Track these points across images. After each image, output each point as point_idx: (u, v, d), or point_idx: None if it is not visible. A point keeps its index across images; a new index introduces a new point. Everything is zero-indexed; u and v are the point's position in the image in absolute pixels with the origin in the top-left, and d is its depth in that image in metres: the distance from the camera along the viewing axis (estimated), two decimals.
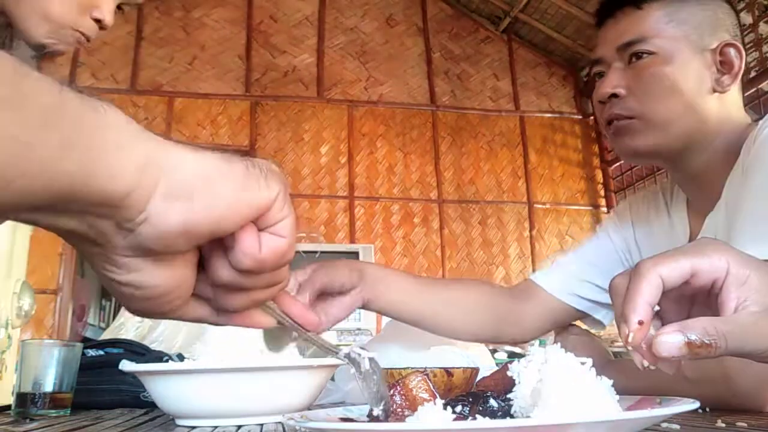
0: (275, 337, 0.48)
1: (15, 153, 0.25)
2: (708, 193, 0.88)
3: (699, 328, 0.40)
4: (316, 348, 0.44)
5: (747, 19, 3.54)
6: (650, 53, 0.86)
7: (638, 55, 0.87)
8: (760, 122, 0.79)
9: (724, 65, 0.87)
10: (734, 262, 0.43)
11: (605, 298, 0.98)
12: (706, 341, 0.39)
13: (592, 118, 5.05)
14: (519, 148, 4.95)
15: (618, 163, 4.84)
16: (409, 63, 4.95)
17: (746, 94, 3.48)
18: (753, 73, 3.47)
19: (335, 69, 4.78)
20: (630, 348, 0.41)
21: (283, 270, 0.36)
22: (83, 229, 0.30)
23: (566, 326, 1.03)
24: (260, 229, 0.34)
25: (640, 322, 0.40)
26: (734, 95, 0.88)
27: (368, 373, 0.44)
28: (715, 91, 0.86)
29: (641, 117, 0.86)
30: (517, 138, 4.97)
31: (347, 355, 0.45)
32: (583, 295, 1.00)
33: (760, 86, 3.43)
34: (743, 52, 0.87)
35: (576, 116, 5.10)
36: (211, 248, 0.34)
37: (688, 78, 0.85)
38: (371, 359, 0.44)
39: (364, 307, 0.88)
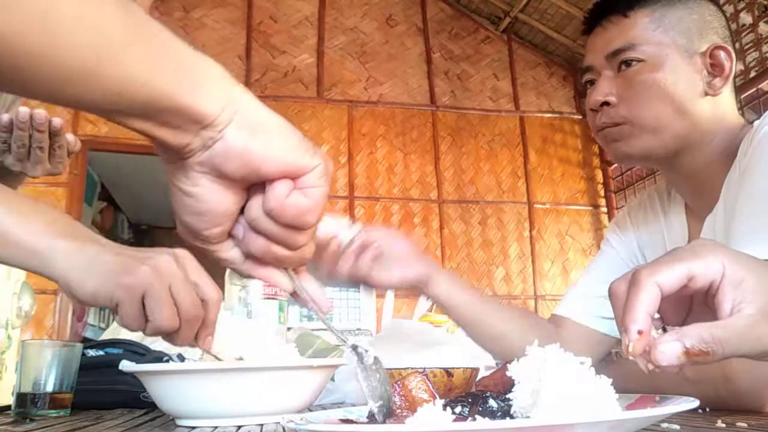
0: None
1: (146, 76, 0.34)
2: (705, 196, 0.88)
3: (695, 335, 0.40)
4: (316, 348, 0.44)
5: (747, 19, 3.53)
6: (639, 60, 0.86)
7: (627, 63, 0.87)
8: (756, 123, 0.80)
9: (714, 68, 0.87)
10: (730, 264, 0.43)
11: None
12: (703, 348, 0.40)
13: None
14: (519, 148, 4.95)
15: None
16: (409, 63, 4.95)
17: (746, 94, 3.48)
18: (753, 73, 3.47)
19: (335, 69, 4.78)
20: (632, 357, 0.42)
21: (304, 236, 0.41)
22: (177, 142, 0.37)
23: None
24: (297, 187, 0.40)
25: (640, 332, 0.41)
26: (727, 97, 0.88)
27: (370, 368, 0.44)
28: (707, 94, 0.86)
29: (632, 123, 0.87)
30: (517, 138, 4.97)
31: (353, 346, 0.45)
32: (606, 315, 0.98)
33: (760, 86, 3.42)
34: (733, 55, 0.87)
35: (576, 116, 5.10)
36: (253, 194, 0.41)
37: (678, 83, 0.85)
38: (375, 358, 0.44)
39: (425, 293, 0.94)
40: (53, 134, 1.01)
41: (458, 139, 4.85)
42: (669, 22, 0.87)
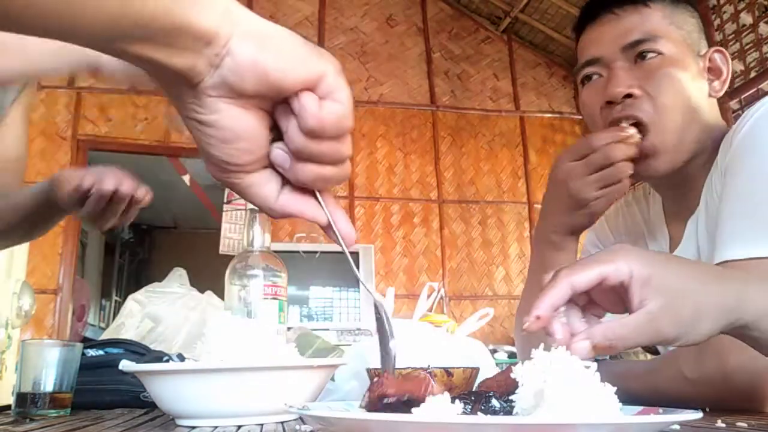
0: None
1: None
2: (686, 198, 0.88)
3: (599, 334, 0.49)
4: (316, 348, 0.45)
5: (747, 19, 3.53)
6: (659, 53, 0.83)
7: (643, 55, 0.84)
8: (734, 126, 0.80)
9: (711, 71, 0.87)
10: (637, 266, 0.51)
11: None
12: (607, 344, 0.49)
13: None
14: (519, 148, 4.95)
15: None
16: (409, 63, 4.95)
17: (746, 94, 3.48)
18: (753, 74, 3.47)
19: None
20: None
21: (345, 145, 0.39)
22: (184, 67, 0.35)
23: None
24: (320, 97, 0.37)
25: (538, 317, 0.49)
26: (714, 101, 0.88)
27: (386, 320, 0.46)
28: (710, 95, 0.86)
29: (656, 124, 0.82)
30: (517, 138, 4.97)
31: (367, 289, 0.46)
32: None
33: (760, 86, 3.42)
34: (728, 57, 0.87)
35: (576, 116, 5.09)
36: (287, 117, 0.38)
37: (691, 82, 0.84)
38: (379, 303, 0.46)
39: None
40: (134, 202, 0.92)
41: (458, 139, 4.85)
42: (678, 21, 0.86)
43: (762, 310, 0.55)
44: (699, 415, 0.40)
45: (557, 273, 0.52)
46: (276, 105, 0.38)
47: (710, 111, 0.87)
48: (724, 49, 0.88)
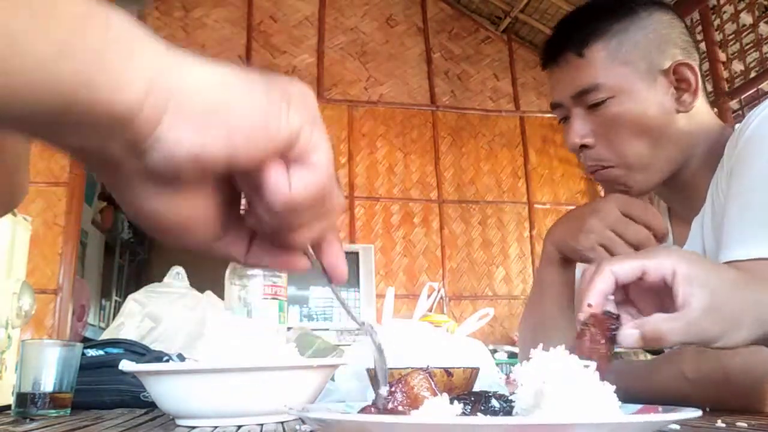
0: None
1: (11, 51, 0.22)
2: (691, 200, 0.88)
3: (650, 323, 0.50)
4: (316, 348, 0.44)
5: (747, 19, 3.53)
6: (606, 98, 0.84)
7: (591, 104, 0.85)
8: (739, 125, 0.80)
9: (681, 83, 0.85)
10: (681, 264, 0.51)
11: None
12: (656, 335, 0.49)
13: None
14: (519, 148, 4.95)
15: None
16: (409, 63, 4.95)
17: (746, 95, 3.48)
18: (753, 74, 3.47)
19: (335, 69, 4.78)
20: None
21: (331, 200, 0.32)
22: (93, 149, 0.27)
23: None
24: (291, 162, 0.30)
25: (589, 305, 0.51)
26: (701, 106, 0.87)
27: (379, 348, 0.44)
28: (678, 111, 0.85)
29: (619, 164, 0.86)
30: (517, 138, 4.97)
31: (364, 324, 0.44)
32: None
33: (760, 86, 3.42)
34: (696, 68, 0.85)
35: None
36: (249, 187, 0.31)
37: (649, 109, 0.84)
38: (379, 344, 0.44)
39: None
40: None
41: (458, 139, 4.85)
42: (626, 51, 0.85)
43: None
44: (698, 413, 0.40)
45: (599, 263, 0.53)
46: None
47: (688, 123, 0.86)
48: (687, 60, 0.86)
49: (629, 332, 0.50)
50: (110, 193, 0.31)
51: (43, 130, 0.26)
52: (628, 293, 0.55)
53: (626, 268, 0.52)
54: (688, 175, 0.88)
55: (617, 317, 0.52)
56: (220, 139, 0.27)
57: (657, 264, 0.51)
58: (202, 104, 0.27)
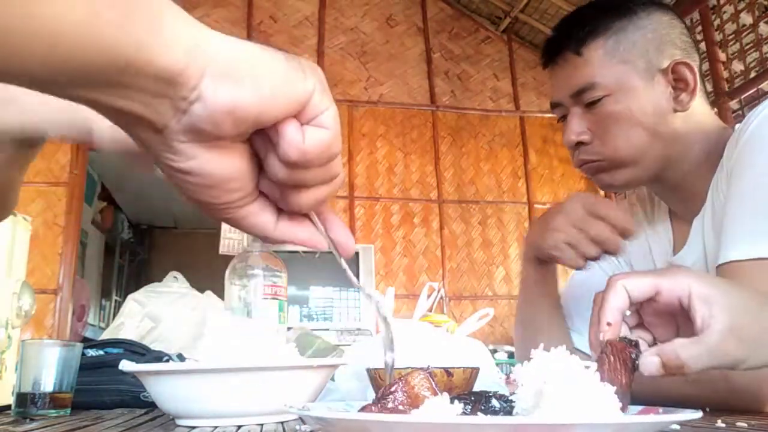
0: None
1: (83, 20, 0.26)
2: (691, 200, 0.88)
3: (671, 352, 0.47)
4: (316, 348, 0.44)
5: (747, 19, 3.53)
6: (603, 96, 0.85)
7: (589, 102, 0.87)
8: (739, 125, 0.80)
9: (678, 83, 0.86)
10: (696, 284, 0.49)
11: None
12: (678, 363, 0.47)
13: None
14: (519, 148, 4.95)
15: None
16: (409, 63, 4.95)
17: (746, 95, 3.48)
18: (753, 74, 3.47)
19: (335, 69, 4.78)
20: (593, 353, 0.49)
21: (335, 164, 0.36)
22: (143, 112, 0.31)
23: None
24: (303, 123, 0.34)
25: (609, 324, 0.48)
26: (699, 106, 0.87)
27: (385, 318, 0.44)
28: (675, 110, 0.85)
29: (609, 159, 0.87)
30: (517, 138, 4.97)
31: (368, 294, 0.44)
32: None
33: (760, 86, 3.43)
34: (695, 68, 0.86)
35: None
36: (265, 146, 0.35)
37: (645, 108, 0.85)
38: (385, 316, 0.44)
39: None
40: None
41: (458, 139, 4.85)
42: (624, 49, 0.86)
43: None
44: (699, 414, 0.40)
45: (609, 279, 0.51)
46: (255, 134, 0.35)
47: (682, 124, 0.86)
48: (686, 59, 0.86)
49: (650, 360, 0.47)
50: (155, 159, 0.34)
51: (102, 93, 0.30)
52: (642, 318, 0.53)
53: (638, 284, 0.50)
54: (685, 174, 0.88)
55: (636, 344, 0.49)
56: (251, 94, 0.32)
57: (671, 283, 0.49)
58: (235, 66, 0.32)
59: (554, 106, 0.93)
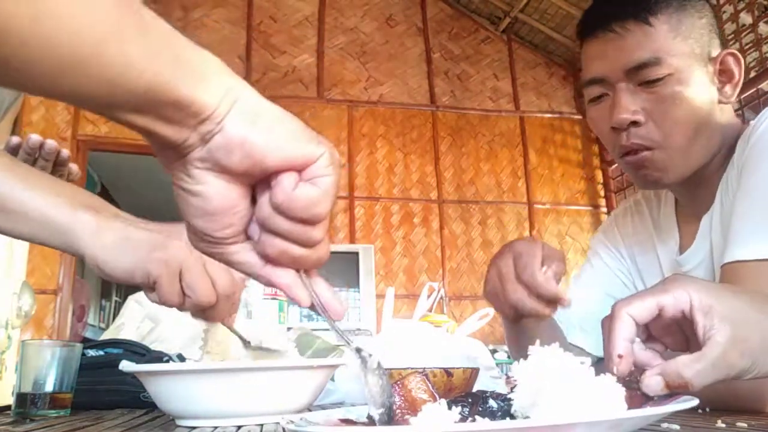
0: None
1: (143, 65, 0.33)
2: (702, 195, 0.86)
3: (673, 371, 0.47)
4: (316, 348, 0.44)
5: (747, 19, 3.54)
6: (664, 76, 0.78)
7: (648, 79, 0.79)
8: (752, 122, 0.79)
9: (723, 74, 0.82)
10: (696, 295, 0.49)
11: None
12: (681, 381, 0.47)
13: None
14: (519, 148, 4.95)
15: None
16: (409, 63, 4.95)
17: (746, 94, 3.48)
18: (753, 73, 3.47)
19: (335, 69, 4.78)
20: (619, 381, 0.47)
21: (317, 231, 0.39)
22: (175, 137, 0.36)
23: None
24: (303, 180, 0.38)
25: (620, 356, 0.48)
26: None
27: (373, 373, 0.43)
28: (720, 102, 0.82)
29: (663, 146, 0.80)
30: (517, 138, 4.97)
31: (357, 349, 0.44)
32: (594, 335, 0.95)
33: (760, 86, 3.43)
34: (741, 60, 0.83)
35: (576, 116, 5.10)
36: (263, 192, 0.39)
37: (700, 96, 0.80)
38: (379, 363, 0.43)
39: None
40: (58, 164, 1.03)
41: (458, 139, 4.85)
42: (685, 30, 0.80)
43: None
44: (695, 402, 0.40)
45: (613, 308, 0.50)
46: (259, 181, 0.39)
47: (722, 115, 0.83)
48: (736, 52, 0.83)
49: (654, 380, 0.47)
50: (173, 179, 0.39)
51: (150, 120, 0.35)
52: (650, 330, 0.53)
53: (642, 308, 0.49)
54: (705, 170, 0.84)
55: (642, 371, 0.49)
56: (264, 135, 0.37)
57: (673, 299, 0.49)
58: (258, 112, 0.37)
59: (593, 82, 0.84)
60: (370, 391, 0.43)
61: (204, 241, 0.40)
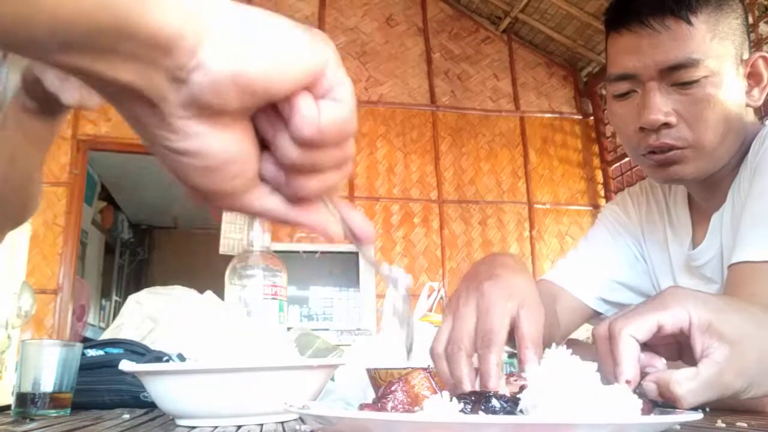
0: None
1: None
2: (714, 193, 0.86)
3: (665, 384, 0.47)
4: (316, 348, 0.44)
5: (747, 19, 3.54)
6: (699, 78, 0.76)
7: (683, 81, 0.77)
8: (767, 123, 0.79)
9: (751, 77, 0.81)
10: (695, 312, 0.48)
11: (628, 298, 0.95)
12: (673, 397, 0.46)
13: (592, 118, 5.06)
14: (519, 148, 4.95)
15: (618, 164, 4.84)
16: (409, 63, 4.95)
17: None
18: None
19: None
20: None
21: (349, 145, 0.33)
22: (136, 82, 0.28)
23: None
24: (317, 98, 0.31)
25: (628, 382, 0.47)
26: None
27: (401, 295, 0.43)
28: (748, 105, 0.81)
29: (694, 146, 0.79)
30: (517, 138, 4.97)
31: (388, 274, 0.43)
32: (609, 299, 0.95)
33: None
34: None
35: (576, 116, 5.10)
36: (273, 125, 0.31)
37: (731, 99, 0.78)
38: (407, 287, 0.43)
39: None
40: None
41: (458, 139, 4.85)
42: (722, 30, 0.78)
43: None
44: (699, 416, 0.40)
45: (611, 328, 0.49)
46: (259, 110, 0.31)
47: (746, 119, 0.82)
48: (766, 54, 0.81)
49: (649, 387, 0.47)
50: (148, 141, 0.31)
51: (92, 60, 0.27)
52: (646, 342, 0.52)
53: (642, 328, 0.49)
54: (723, 169, 0.83)
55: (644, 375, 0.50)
56: (258, 62, 0.29)
57: (671, 317, 0.49)
58: (239, 31, 0.29)
59: (623, 78, 0.81)
60: (396, 312, 0.43)
61: (212, 199, 0.32)
